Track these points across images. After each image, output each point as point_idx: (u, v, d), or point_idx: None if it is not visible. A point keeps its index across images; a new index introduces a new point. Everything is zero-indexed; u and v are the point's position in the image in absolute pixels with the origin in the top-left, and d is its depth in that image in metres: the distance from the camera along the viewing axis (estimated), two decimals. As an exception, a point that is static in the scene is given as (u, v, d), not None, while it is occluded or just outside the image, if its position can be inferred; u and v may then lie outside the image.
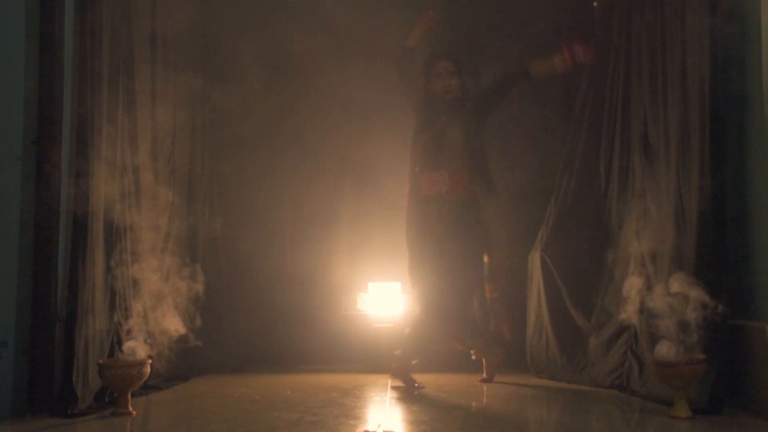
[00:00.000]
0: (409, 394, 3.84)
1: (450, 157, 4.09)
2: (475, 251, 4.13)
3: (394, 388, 3.99)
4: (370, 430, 2.94)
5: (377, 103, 4.83)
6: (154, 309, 3.69)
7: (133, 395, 3.35)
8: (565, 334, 4.35)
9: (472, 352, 4.25)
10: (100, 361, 3.31)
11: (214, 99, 4.99)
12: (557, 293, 4.43)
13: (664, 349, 3.18)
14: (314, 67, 5.16)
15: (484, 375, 4.24)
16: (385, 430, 2.96)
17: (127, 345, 3.41)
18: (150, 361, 3.38)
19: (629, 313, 3.91)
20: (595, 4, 4.84)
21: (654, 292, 3.34)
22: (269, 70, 5.05)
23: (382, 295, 4.85)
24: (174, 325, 3.80)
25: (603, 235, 4.12)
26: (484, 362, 4.26)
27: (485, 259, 4.18)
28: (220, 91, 5.00)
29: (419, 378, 4.06)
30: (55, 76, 3.35)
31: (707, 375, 3.18)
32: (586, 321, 4.27)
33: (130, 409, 3.28)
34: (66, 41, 3.42)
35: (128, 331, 3.53)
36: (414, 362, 4.04)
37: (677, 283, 3.28)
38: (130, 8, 3.87)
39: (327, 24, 5.03)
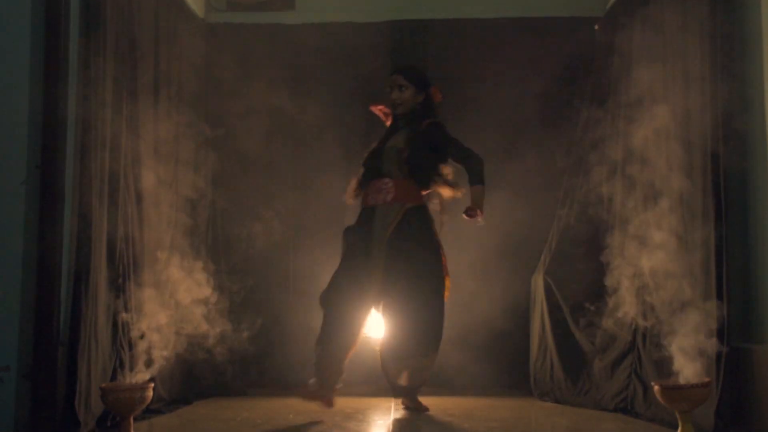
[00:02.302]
0: (412, 418, 3.82)
1: (392, 164, 4.02)
2: (430, 259, 3.95)
3: (405, 408, 3.98)
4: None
5: (378, 121, 4.87)
6: (157, 332, 3.68)
7: (135, 419, 3.34)
8: (569, 357, 4.34)
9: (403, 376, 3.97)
10: (103, 385, 3.30)
11: (216, 127, 5.03)
12: (561, 316, 4.43)
13: (670, 372, 3.18)
14: (314, 84, 5.18)
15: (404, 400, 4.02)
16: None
17: (131, 368, 3.41)
18: (152, 384, 3.36)
19: (633, 336, 3.91)
20: (597, 27, 4.87)
21: (658, 315, 3.34)
22: (272, 86, 5.08)
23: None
24: (176, 347, 3.80)
25: (606, 258, 4.11)
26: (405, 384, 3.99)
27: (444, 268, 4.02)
28: (223, 118, 5.04)
29: (423, 401, 4.04)
30: (59, 100, 3.37)
31: (712, 398, 3.17)
32: (590, 344, 4.26)
33: (133, 433, 3.27)
34: (70, 67, 3.44)
35: (131, 355, 3.52)
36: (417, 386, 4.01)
37: (681, 306, 3.27)
38: (134, 38, 3.90)
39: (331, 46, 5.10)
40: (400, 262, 3.88)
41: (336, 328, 3.86)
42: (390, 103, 4.18)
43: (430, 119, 4.13)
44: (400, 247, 3.90)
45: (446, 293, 4.01)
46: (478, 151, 4.11)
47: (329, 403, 3.81)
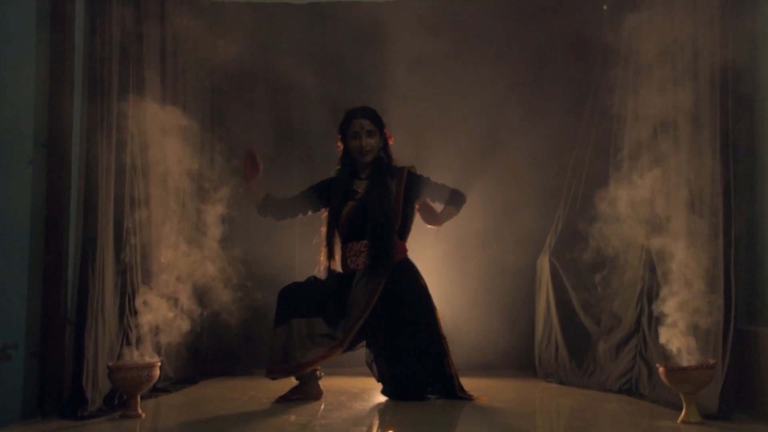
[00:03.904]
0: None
1: (377, 226, 3.83)
2: (422, 305, 3.82)
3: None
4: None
5: (388, 109, 4.83)
6: (164, 311, 3.70)
7: (142, 398, 3.37)
8: (574, 339, 4.35)
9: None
10: (110, 363, 3.32)
11: (223, 105, 5.01)
12: (566, 297, 4.43)
13: (675, 354, 3.19)
14: (320, 65, 5.15)
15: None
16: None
17: (137, 347, 3.43)
18: (159, 363, 3.39)
19: (639, 318, 3.91)
20: (605, 7, 4.83)
21: (663, 297, 3.33)
22: (277, 66, 5.04)
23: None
24: (183, 326, 3.82)
25: (612, 239, 4.11)
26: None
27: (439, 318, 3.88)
28: (230, 95, 5.02)
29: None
30: (65, 79, 3.37)
31: (717, 380, 3.17)
32: (595, 325, 4.26)
33: (140, 411, 3.30)
34: (76, 47, 3.44)
35: (137, 334, 3.54)
36: None
37: (686, 288, 3.27)
38: (139, 15, 3.88)
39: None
40: (387, 311, 3.75)
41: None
42: (357, 151, 3.95)
43: (404, 167, 3.99)
44: (387, 305, 3.76)
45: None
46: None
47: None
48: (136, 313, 3.65)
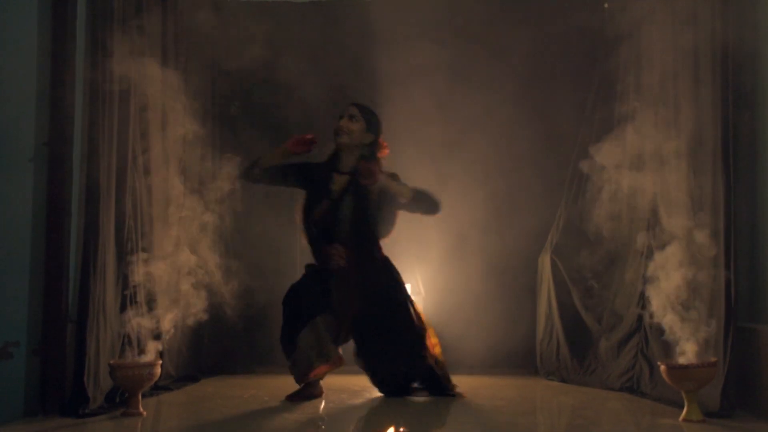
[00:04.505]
0: (419, 397, 3.84)
1: (345, 229, 3.81)
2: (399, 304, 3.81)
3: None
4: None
5: (391, 104, 4.84)
6: (165, 309, 3.70)
7: (143, 396, 3.36)
8: (576, 337, 4.35)
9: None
10: (111, 361, 3.32)
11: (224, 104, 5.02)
12: (567, 295, 4.43)
13: (678, 351, 3.19)
14: (319, 63, 5.14)
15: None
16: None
17: (137, 346, 3.43)
18: (160, 362, 3.39)
19: (639, 316, 3.92)
20: (606, 5, 4.83)
21: (665, 295, 3.33)
22: (278, 64, 5.04)
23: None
24: (184, 324, 3.82)
25: (613, 238, 4.11)
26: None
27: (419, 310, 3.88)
28: (231, 95, 5.02)
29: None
30: (66, 77, 3.37)
31: (718, 378, 3.17)
32: (596, 323, 4.27)
33: (141, 409, 3.30)
34: (77, 45, 3.43)
35: (139, 332, 3.54)
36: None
37: (688, 286, 3.27)
38: (141, 12, 3.87)
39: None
40: (366, 309, 3.77)
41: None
42: (334, 130, 3.90)
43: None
44: (366, 304, 3.77)
45: (433, 340, 3.88)
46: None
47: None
48: (137, 310, 3.64)
